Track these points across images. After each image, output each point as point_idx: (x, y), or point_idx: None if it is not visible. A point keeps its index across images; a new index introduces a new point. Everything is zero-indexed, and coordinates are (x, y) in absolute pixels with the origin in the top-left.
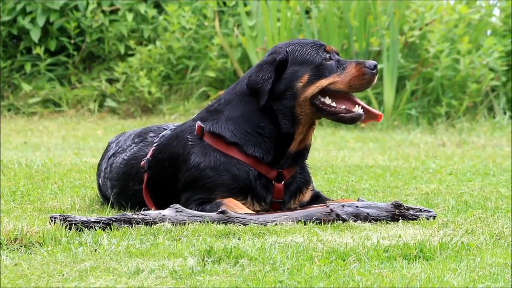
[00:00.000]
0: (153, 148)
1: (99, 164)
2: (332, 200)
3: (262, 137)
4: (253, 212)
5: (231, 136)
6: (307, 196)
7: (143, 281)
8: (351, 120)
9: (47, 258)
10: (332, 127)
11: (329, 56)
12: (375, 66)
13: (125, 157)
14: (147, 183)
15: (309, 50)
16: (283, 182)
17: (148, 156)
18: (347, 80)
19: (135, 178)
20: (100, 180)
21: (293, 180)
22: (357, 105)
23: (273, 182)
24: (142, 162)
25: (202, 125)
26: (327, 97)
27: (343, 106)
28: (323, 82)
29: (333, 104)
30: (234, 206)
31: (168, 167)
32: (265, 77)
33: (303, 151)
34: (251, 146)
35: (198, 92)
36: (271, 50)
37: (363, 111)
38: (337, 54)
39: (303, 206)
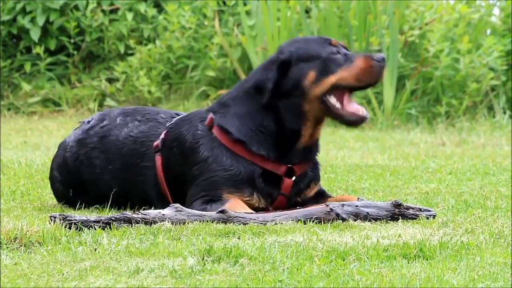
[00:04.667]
0: (165, 131)
1: (62, 143)
2: (335, 198)
3: (265, 135)
4: (253, 212)
5: (236, 133)
6: (312, 192)
7: (143, 280)
8: (355, 123)
9: (46, 258)
10: (331, 126)
11: (336, 50)
12: (383, 59)
13: (132, 133)
14: (163, 167)
15: (313, 46)
16: (294, 178)
17: (162, 136)
18: (355, 74)
19: (144, 156)
20: (68, 161)
21: (305, 175)
22: (360, 108)
23: (283, 177)
24: (156, 143)
25: (213, 117)
26: (333, 96)
27: (349, 109)
28: (332, 79)
29: (338, 105)
30: (237, 206)
31: (176, 149)
32: (268, 77)
33: (312, 147)
34: (255, 144)
35: (198, 91)
36: (278, 48)
37: (367, 113)
38: (346, 48)
39: (306, 202)
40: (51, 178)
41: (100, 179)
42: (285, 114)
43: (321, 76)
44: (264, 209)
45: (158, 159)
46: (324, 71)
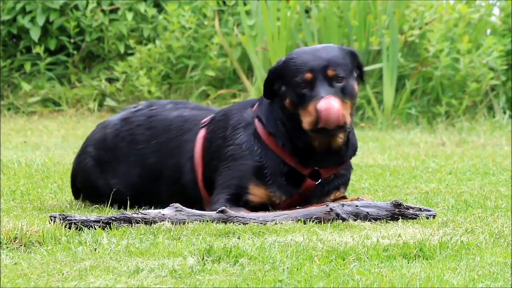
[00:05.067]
0: (217, 111)
1: (103, 122)
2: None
3: (287, 132)
4: (252, 212)
5: (267, 124)
6: (333, 196)
7: (143, 280)
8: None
9: (46, 257)
10: None
11: (305, 83)
12: (327, 109)
13: (184, 114)
14: (204, 140)
15: (293, 71)
16: (319, 181)
17: (213, 115)
18: (309, 121)
19: (189, 131)
20: (108, 137)
21: (333, 179)
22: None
23: (306, 177)
24: (205, 119)
25: (257, 107)
26: None
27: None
28: (300, 112)
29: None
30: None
31: (221, 123)
32: (264, 88)
33: (339, 151)
34: (281, 138)
35: (197, 91)
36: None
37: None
38: (327, 76)
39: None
40: (83, 153)
41: (137, 155)
42: (288, 118)
43: (295, 106)
44: (278, 205)
45: (202, 131)
46: (296, 102)
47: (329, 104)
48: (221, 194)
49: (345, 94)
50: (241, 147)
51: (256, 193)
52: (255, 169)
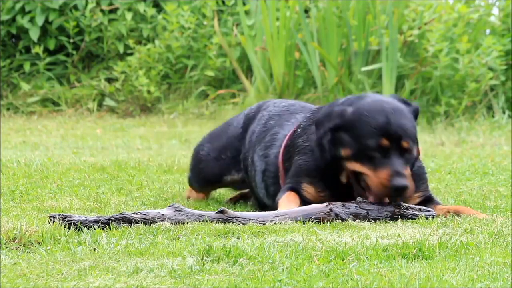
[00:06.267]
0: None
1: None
2: (446, 206)
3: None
4: (252, 212)
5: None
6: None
7: (142, 280)
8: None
9: (46, 257)
10: None
11: (379, 149)
12: (398, 189)
13: (294, 105)
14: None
15: (366, 132)
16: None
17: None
18: (373, 182)
19: (289, 121)
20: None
21: None
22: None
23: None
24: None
25: None
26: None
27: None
28: (357, 168)
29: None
30: (291, 201)
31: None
32: (321, 135)
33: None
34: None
35: (197, 91)
36: (346, 100)
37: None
38: (401, 148)
39: None
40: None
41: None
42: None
43: (354, 160)
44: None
45: (295, 124)
46: (357, 158)
47: (402, 184)
48: (285, 185)
49: (410, 162)
50: (307, 141)
51: (308, 190)
52: (312, 168)
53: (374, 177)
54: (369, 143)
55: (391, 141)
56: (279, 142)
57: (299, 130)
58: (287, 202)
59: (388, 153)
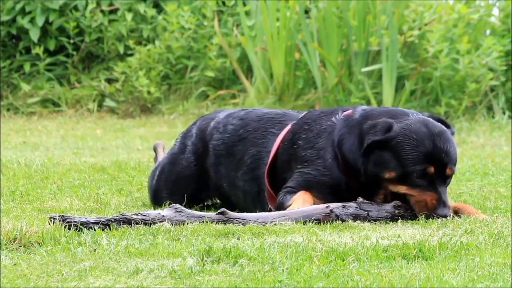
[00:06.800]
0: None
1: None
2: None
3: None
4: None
5: (349, 154)
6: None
7: (142, 280)
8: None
9: (46, 258)
10: None
11: (424, 174)
12: (443, 216)
13: (278, 111)
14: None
15: (413, 157)
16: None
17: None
18: (421, 211)
19: (277, 125)
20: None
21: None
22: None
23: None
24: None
25: None
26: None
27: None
28: (401, 189)
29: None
30: (304, 202)
31: (308, 126)
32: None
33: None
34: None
35: (197, 92)
36: (394, 116)
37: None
38: (445, 174)
39: None
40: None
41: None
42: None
43: (396, 182)
44: None
45: (287, 127)
46: (400, 180)
47: (446, 214)
48: (284, 190)
49: (448, 184)
50: (318, 154)
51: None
52: (318, 182)
53: (421, 200)
54: (416, 169)
55: (436, 168)
56: (266, 160)
57: (300, 142)
58: (302, 202)
59: (433, 181)
